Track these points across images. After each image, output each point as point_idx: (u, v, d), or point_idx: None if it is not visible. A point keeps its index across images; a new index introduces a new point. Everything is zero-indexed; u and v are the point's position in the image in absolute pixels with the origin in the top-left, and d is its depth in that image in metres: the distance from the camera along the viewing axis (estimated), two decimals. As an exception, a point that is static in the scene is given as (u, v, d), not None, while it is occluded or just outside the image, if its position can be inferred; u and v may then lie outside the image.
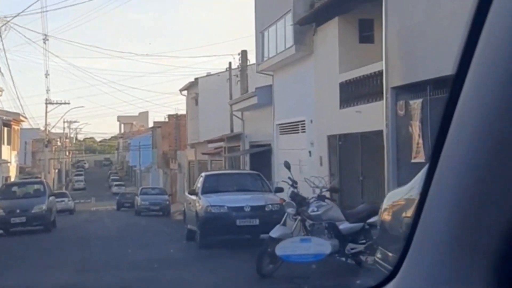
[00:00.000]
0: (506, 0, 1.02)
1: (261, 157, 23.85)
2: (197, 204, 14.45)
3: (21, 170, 45.41)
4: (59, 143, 74.57)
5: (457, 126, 1.10)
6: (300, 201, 9.17)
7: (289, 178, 10.07)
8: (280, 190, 14.71)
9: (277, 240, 8.57)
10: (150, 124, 71.07)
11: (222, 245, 13.57)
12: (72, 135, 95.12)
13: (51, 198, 22.42)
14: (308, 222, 8.99)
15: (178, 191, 46.66)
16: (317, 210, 8.97)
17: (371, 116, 14.57)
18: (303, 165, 19.88)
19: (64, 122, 77.27)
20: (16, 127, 42.81)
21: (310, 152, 19.03)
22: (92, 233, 20.36)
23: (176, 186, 47.95)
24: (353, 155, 16.04)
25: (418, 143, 12.14)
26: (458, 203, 1.10)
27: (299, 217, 9.04)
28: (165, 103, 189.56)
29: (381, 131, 13.77)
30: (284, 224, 9.42)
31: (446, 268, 1.15)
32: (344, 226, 8.69)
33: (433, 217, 1.17)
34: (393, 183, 13.18)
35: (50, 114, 65.41)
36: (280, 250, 6.77)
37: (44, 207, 20.99)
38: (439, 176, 1.15)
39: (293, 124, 20.82)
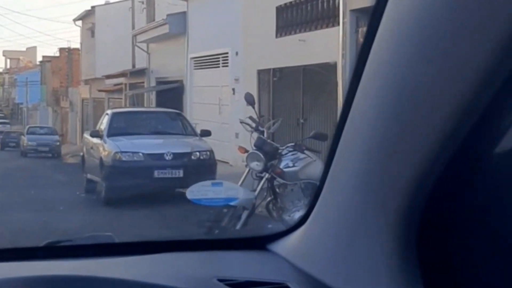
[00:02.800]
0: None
1: (170, 95, 20.91)
2: (101, 149, 11.39)
3: None
4: None
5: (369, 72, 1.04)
6: (269, 152, 6.54)
7: (250, 118, 7.32)
8: (207, 133, 11.97)
9: (233, 208, 6.18)
10: (39, 60, 65.68)
11: (133, 201, 10.68)
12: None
13: None
14: (279, 181, 6.46)
15: (69, 131, 43.08)
16: (293, 166, 6.52)
17: (319, 46, 12.03)
18: (223, 104, 17.22)
19: None
20: None
21: (233, 89, 16.32)
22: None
23: (67, 126, 44.19)
24: (291, 93, 13.49)
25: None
26: (368, 150, 1.06)
27: (266, 175, 6.44)
28: (56, 38, 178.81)
29: (333, 64, 11.27)
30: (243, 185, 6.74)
31: (353, 215, 1.13)
32: None
33: (344, 162, 1.15)
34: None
35: None
36: (190, 194, 6.27)
37: None
38: (350, 122, 1.10)
39: (213, 57, 18.01)
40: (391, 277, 1.06)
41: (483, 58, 0.81)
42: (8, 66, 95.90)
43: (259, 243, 1.47)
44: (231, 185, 6.47)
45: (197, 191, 6.23)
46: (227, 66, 16.99)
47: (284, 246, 1.39)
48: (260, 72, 14.87)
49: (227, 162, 15.01)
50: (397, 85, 0.95)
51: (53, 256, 1.49)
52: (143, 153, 10.79)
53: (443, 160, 0.93)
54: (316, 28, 12.43)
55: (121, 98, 29.48)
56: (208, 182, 6.66)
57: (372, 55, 1.00)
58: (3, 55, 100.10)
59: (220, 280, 1.25)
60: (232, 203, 6.11)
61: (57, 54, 51.17)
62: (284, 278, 1.27)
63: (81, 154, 13.85)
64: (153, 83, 24.23)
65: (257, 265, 1.41)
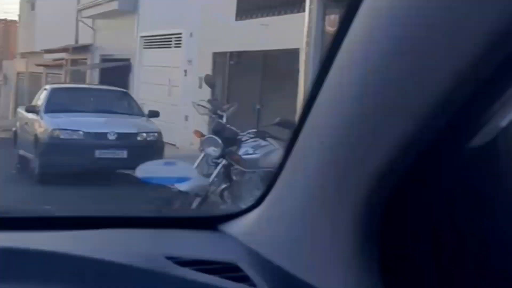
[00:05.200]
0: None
1: (115, 73, 19.91)
2: (36, 126, 10.70)
3: None
4: None
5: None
6: (228, 138, 6.14)
7: (208, 101, 6.88)
8: (155, 114, 11.30)
9: (186, 195, 5.73)
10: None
11: (70, 179, 9.76)
12: None
13: None
14: (236, 169, 5.99)
15: (3, 106, 41.42)
16: (253, 153, 6.13)
17: (282, 32, 11.38)
18: (173, 85, 16.44)
19: None
20: None
21: (185, 71, 15.55)
22: None
23: (0, 100, 42.51)
24: (249, 78, 12.85)
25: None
26: (333, 140, 1.04)
27: (223, 161, 6.04)
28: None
29: (296, 50, 10.64)
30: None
31: (313, 201, 1.11)
32: None
33: (306, 148, 1.13)
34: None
35: None
36: (140, 172, 5.32)
37: None
38: (316, 110, 1.08)
39: (165, 37, 17.21)
40: (347, 266, 1.03)
41: (459, 59, 0.81)
42: None
43: (209, 223, 1.45)
44: (185, 165, 5.87)
45: (147, 169, 5.59)
46: (180, 47, 16.22)
47: (236, 227, 1.38)
48: (215, 55, 14.15)
49: (174, 144, 14.39)
50: (367, 80, 0.93)
51: None
52: (84, 131, 10.23)
53: (408, 156, 0.92)
54: (280, 13, 11.76)
55: (60, 74, 28.36)
56: (160, 161, 6.38)
57: (343, 47, 0.98)
58: None
59: (168, 258, 1.23)
60: (184, 189, 5.51)
61: (-7, 26, 49.25)
62: (234, 258, 1.27)
63: (14, 129, 12.99)
64: (97, 60, 23.16)
65: (207, 244, 1.40)
